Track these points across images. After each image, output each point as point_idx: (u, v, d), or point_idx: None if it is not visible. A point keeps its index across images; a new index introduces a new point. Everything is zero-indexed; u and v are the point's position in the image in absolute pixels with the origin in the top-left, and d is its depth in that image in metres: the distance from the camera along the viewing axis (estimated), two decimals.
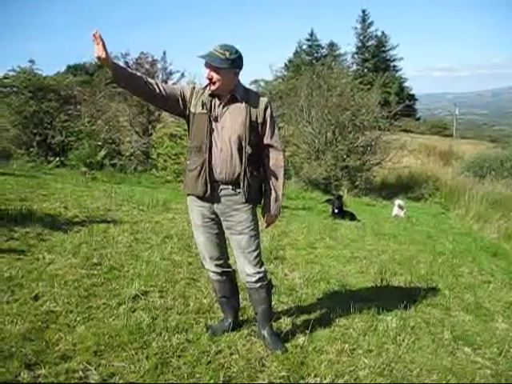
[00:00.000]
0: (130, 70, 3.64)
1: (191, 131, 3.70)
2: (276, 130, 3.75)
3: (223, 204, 3.66)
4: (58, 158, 14.53)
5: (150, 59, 17.84)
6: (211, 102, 3.62)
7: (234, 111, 3.61)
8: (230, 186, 3.63)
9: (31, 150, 15.19)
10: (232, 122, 3.58)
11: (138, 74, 3.63)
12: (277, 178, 3.73)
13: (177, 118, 13.45)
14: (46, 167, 13.85)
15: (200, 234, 3.80)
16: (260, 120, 3.64)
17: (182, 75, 17.72)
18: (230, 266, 3.98)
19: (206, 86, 3.64)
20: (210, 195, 3.63)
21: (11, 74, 16.03)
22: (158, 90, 3.56)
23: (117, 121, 17.56)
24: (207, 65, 3.51)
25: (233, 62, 3.50)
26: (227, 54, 3.47)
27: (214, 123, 3.59)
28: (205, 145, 3.58)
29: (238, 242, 3.73)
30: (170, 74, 17.99)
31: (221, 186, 3.63)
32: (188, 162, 3.76)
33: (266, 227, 3.88)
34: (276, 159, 3.73)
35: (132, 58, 17.87)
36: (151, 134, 17.20)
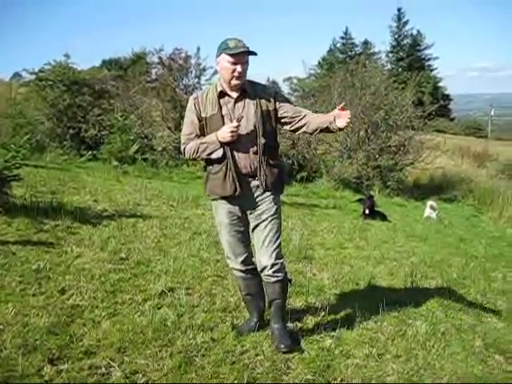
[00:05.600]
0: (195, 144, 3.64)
1: (207, 135, 3.61)
2: (294, 105, 3.76)
3: (249, 196, 3.63)
4: (90, 152, 14.64)
5: (183, 55, 17.85)
6: (219, 100, 3.57)
7: (246, 104, 3.57)
8: (253, 178, 3.60)
9: (64, 143, 15.35)
10: (245, 115, 3.54)
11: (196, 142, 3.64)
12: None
13: None
14: (78, 160, 13.98)
15: (226, 232, 3.73)
16: (272, 107, 3.61)
17: (216, 72, 17.65)
18: (253, 264, 3.90)
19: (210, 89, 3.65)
20: (239, 192, 3.57)
21: (47, 67, 16.24)
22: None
23: (149, 116, 17.63)
24: (241, 58, 3.43)
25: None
26: (244, 43, 3.46)
27: (227, 121, 3.53)
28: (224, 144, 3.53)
29: (259, 232, 3.68)
30: (204, 70, 17.94)
31: (246, 180, 3.59)
32: (210, 167, 3.68)
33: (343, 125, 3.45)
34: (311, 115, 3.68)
35: (166, 53, 17.93)
36: None
